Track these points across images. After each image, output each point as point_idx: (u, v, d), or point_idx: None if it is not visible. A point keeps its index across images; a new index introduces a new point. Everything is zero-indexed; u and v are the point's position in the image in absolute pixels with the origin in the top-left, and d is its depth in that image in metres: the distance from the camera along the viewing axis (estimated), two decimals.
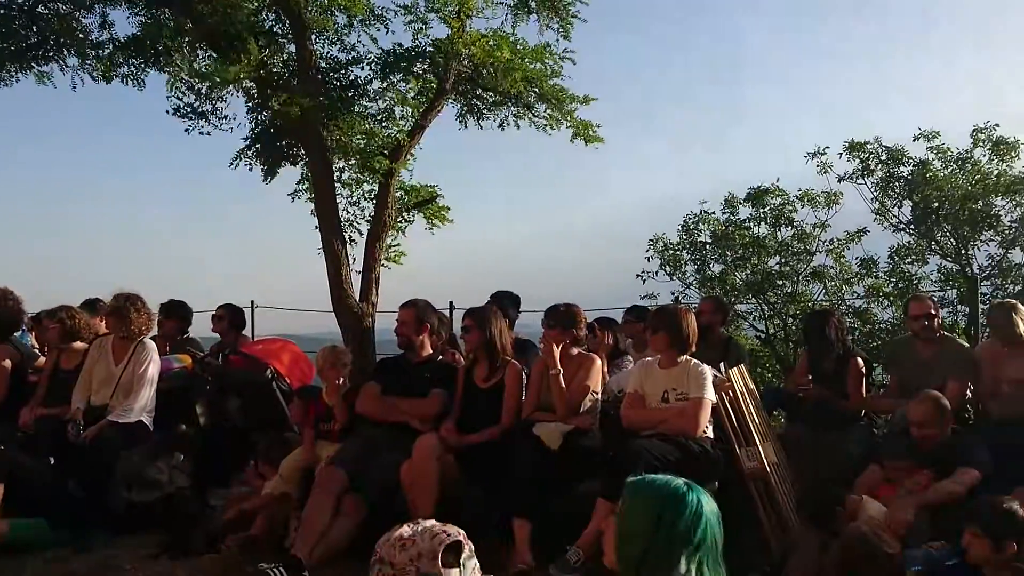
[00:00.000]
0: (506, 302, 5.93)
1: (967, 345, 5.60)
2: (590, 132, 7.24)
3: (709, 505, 1.82)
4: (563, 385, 4.42)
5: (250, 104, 7.21)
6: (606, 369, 5.15)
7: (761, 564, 3.95)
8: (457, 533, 1.91)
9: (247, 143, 7.26)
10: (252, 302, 10.01)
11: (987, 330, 6.05)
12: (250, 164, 7.31)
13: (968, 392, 5.33)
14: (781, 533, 4.39)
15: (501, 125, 7.47)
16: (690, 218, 10.16)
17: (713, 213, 10.16)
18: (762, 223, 9.84)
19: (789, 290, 9.36)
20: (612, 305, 7.84)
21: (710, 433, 4.25)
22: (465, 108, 7.44)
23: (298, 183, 7.80)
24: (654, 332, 4.41)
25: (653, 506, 1.80)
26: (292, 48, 7.07)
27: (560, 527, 4.12)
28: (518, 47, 6.94)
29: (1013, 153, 8.58)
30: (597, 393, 4.57)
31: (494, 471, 4.31)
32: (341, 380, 4.90)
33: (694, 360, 4.37)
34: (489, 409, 4.61)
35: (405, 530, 1.91)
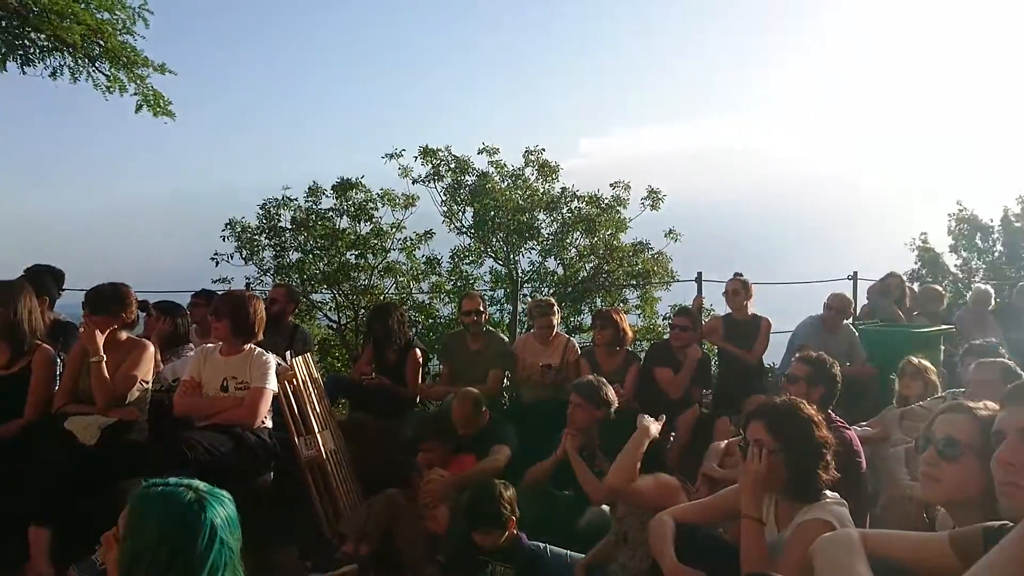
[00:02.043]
0: (46, 278, 5.14)
1: (507, 339, 6.38)
2: (161, 104, 6.62)
3: (224, 515, 1.72)
4: (106, 374, 3.98)
5: None
6: (161, 356, 4.79)
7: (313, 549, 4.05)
8: None
9: None
10: None
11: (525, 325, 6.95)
12: None
13: (505, 380, 6.10)
14: (335, 517, 4.53)
15: (53, 74, 6.46)
16: (271, 202, 9.94)
17: (296, 199, 10.08)
18: (344, 216, 10.04)
19: (364, 283, 9.70)
20: (184, 288, 7.30)
21: (269, 423, 4.21)
22: (6, 48, 6.26)
23: None
24: (217, 319, 4.22)
25: (162, 530, 1.66)
26: None
27: (98, 528, 3.70)
28: None
29: (554, 176, 10.02)
30: (147, 382, 4.22)
31: (14, 472, 3.70)
32: None
33: (258, 349, 4.28)
34: (11, 401, 4.00)
35: None
